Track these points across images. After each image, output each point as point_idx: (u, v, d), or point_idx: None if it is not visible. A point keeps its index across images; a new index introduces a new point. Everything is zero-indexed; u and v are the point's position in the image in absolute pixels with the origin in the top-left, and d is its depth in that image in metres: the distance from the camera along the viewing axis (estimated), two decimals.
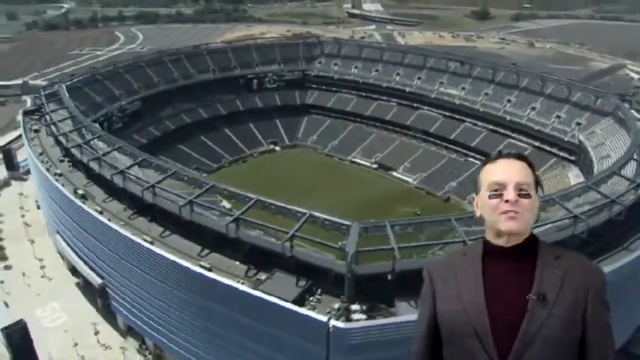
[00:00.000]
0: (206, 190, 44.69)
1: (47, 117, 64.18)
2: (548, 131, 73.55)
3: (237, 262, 40.26)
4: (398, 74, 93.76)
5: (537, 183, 3.96)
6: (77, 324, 52.14)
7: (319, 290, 36.55)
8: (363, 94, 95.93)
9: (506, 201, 3.80)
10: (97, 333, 50.33)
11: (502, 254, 3.88)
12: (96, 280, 50.46)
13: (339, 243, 36.35)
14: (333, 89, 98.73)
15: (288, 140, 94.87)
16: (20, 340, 44.70)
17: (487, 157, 4.14)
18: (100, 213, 48.17)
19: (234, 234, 39.86)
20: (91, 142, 56.59)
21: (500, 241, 3.90)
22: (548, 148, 73.19)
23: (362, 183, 79.61)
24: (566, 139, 70.86)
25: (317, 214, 39.30)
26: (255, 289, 36.01)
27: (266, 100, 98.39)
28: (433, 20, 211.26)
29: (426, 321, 4.06)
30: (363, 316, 33.99)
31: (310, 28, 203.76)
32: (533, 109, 77.21)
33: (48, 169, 56.64)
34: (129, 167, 49.27)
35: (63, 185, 53.26)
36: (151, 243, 42.90)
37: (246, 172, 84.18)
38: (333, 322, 33.01)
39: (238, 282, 37.56)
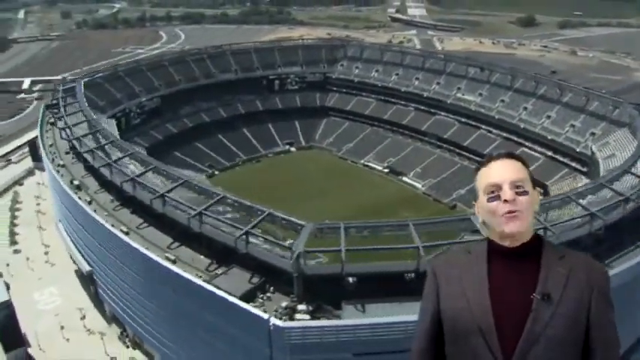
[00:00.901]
0: (180, 184, 45.62)
1: (60, 110, 66.97)
2: (561, 140, 71.08)
3: (202, 256, 41.02)
4: (417, 79, 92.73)
5: (532, 179, 3.96)
6: (69, 308, 54.44)
7: (272, 288, 36.70)
8: (382, 97, 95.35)
9: (505, 201, 3.79)
10: (83, 318, 52.37)
11: (507, 254, 3.88)
12: (85, 268, 52.53)
13: (288, 242, 36.43)
14: (353, 92, 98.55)
15: (305, 142, 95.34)
16: (5, 320, 47.18)
17: (479, 163, 4.12)
18: (89, 203, 50.14)
19: (198, 228, 40.65)
20: (92, 136, 58.78)
21: (505, 242, 3.89)
22: (561, 158, 70.73)
23: (370, 186, 79.19)
24: (578, 150, 68.29)
25: (277, 213, 39.53)
26: (208, 282, 36.61)
27: (286, 102, 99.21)
28: (476, 26, 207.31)
29: (429, 318, 4.01)
30: (307, 317, 33.93)
31: (351, 31, 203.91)
32: (549, 117, 74.73)
33: (53, 160, 59.45)
34: (116, 161, 50.87)
35: (62, 176, 55.75)
36: (127, 234, 44.32)
37: (257, 171, 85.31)
38: (273, 320, 33.15)
39: (197, 275, 38.30)
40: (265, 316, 33.45)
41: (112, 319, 52.63)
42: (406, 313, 33.76)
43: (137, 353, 49.30)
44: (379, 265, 36.68)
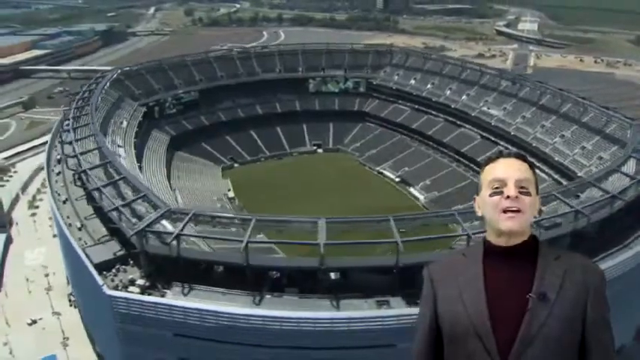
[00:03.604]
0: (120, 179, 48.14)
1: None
2: (567, 163, 65.13)
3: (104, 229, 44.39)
4: (450, 89, 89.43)
5: (537, 184, 3.96)
6: (47, 267, 61.16)
7: (132, 262, 38.98)
8: (416, 106, 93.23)
9: (507, 197, 3.79)
10: (47, 275, 58.67)
11: (502, 254, 3.88)
12: None
13: (135, 223, 38.12)
14: (391, 99, 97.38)
15: (333, 144, 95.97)
16: None
17: (488, 158, 4.12)
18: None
19: (99, 202, 44.07)
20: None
21: (501, 241, 3.89)
22: (565, 182, 64.49)
23: (372, 193, 77.94)
24: (579, 174, 62.00)
25: (152, 196, 41.89)
26: (82, 249, 39.91)
27: (325, 104, 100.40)
28: (587, 43, 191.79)
29: (427, 322, 4.03)
30: (137, 290, 35.77)
31: (448, 42, 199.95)
32: (562, 137, 68.75)
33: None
34: (82, 153, 54.08)
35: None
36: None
37: (273, 168, 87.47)
38: (105, 289, 35.50)
39: (82, 243, 41.81)
40: (100, 282, 35.96)
41: None
42: (226, 304, 34.51)
43: (76, 311, 54.29)
44: (210, 253, 37.74)
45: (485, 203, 3.92)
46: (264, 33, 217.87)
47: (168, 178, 74.94)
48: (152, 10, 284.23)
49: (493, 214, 3.84)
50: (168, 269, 37.12)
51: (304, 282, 35.38)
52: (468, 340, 3.71)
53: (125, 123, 74.71)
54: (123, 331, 36.91)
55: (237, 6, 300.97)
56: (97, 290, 36.86)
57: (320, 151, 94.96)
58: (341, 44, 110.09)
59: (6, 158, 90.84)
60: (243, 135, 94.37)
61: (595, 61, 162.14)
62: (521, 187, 3.80)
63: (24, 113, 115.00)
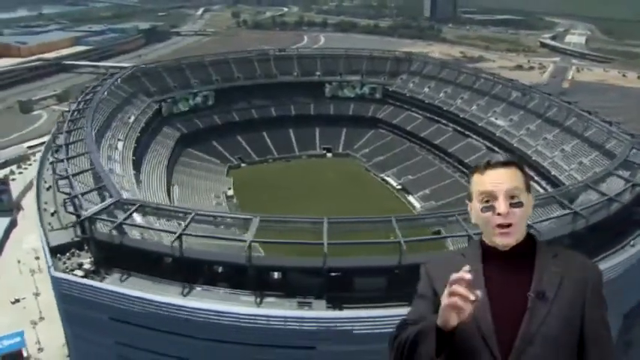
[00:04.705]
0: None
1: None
2: (562, 178, 62.88)
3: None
4: (462, 98, 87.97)
5: (528, 185, 3.89)
6: (38, 250, 63.73)
7: (87, 248, 40.46)
8: (428, 115, 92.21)
9: (499, 214, 3.74)
10: (37, 258, 61.18)
11: (500, 254, 3.85)
12: None
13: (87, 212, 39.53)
14: (405, 107, 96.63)
15: (344, 149, 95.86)
16: None
17: (475, 166, 4.00)
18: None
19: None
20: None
21: (497, 247, 3.87)
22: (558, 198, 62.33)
23: (370, 199, 77.33)
24: (572, 190, 59.66)
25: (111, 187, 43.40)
26: (45, 234, 41.92)
27: (339, 108, 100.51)
28: (636, 58, 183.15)
29: (425, 316, 3.81)
30: (81, 273, 37.20)
31: (487, 52, 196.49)
32: (563, 151, 66.42)
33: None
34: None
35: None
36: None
37: (278, 170, 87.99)
38: (51, 270, 37.20)
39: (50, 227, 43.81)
40: (50, 263, 37.74)
41: None
42: (157, 292, 35.42)
43: None
44: (141, 242, 38.87)
45: (477, 215, 3.87)
46: (305, 37, 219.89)
47: (171, 173, 77.04)
48: (200, 11, 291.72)
49: (486, 228, 3.83)
50: (113, 256, 38.35)
51: (234, 278, 35.86)
52: (470, 338, 3.63)
53: (132, 118, 77.39)
54: (66, 311, 38.56)
55: (285, 10, 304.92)
56: (49, 271, 38.66)
57: (329, 155, 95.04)
58: (360, 50, 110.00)
59: (30, 147, 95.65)
60: (255, 136, 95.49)
61: (638, 77, 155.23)
62: (512, 198, 3.73)
63: (57, 105, 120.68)
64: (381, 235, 44.02)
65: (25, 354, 47.60)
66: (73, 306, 37.06)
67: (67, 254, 40.15)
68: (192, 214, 38.31)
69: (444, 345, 3.41)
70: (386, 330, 33.64)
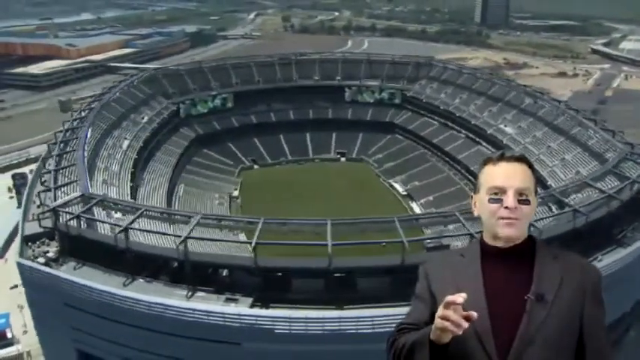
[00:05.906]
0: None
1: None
2: (558, 188, 60.56)
3: None
4: (475, 104, 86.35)
5: (535, 187, 3.92)
6: None
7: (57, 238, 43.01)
8: (443, 120, 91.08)
9: (506, 207, 3.77)
10: None
11: (500, 255, 3.88)
12: None
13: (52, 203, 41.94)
14: (422, 112, 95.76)
15: (358, 154, 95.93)
16: None
17: (488, 157, 4.04)
18: None
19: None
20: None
21: (498, 243, 3.90)
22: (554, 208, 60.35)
23: (372, 204, 76.64)
24: (566, 201, 57.67)
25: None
26: (22, 221, 44.96)
27: (357, 113, 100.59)
28: None
29: (421, 318, 3.90)
30: (42, 260, 39.68)
31: (533, 59, 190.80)
32: (563, 160, 64.21)
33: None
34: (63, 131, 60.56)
35: None
36: None
37: (290, 172, 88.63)
38: (17, 257, 39.94)
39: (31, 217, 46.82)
40: (18, 250, 40.52)
41: None
42: (101, 282, 37.29)
43: None
44: (94, 233, 40.79)
45: (483, 206, 3.91)
46: (349, 42, 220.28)
47: (180, 172, 79.54)
48: (252, 14, 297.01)
49: (490, 220, 3.87)
50: (74, 246, 40.61)
51: (174, 272, 37.29)
52: (467, 339, 3.60)
53: (145, 118, 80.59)
54: (29, 296, 41.17)
55: (336, 14, 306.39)
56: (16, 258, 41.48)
57: (343, 159, 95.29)
58: (382, 54, 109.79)
59: None
60: (271, 138, 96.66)
61: None
62: (521, 195, 3.78)
63: None
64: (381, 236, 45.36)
65: (9, 335, 50.93)
66: (35, 291, 39.62)
67: (37, 242, 42.89)
68: (142, 210, 40.10)
69: (439, 354, 3.47)
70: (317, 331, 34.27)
